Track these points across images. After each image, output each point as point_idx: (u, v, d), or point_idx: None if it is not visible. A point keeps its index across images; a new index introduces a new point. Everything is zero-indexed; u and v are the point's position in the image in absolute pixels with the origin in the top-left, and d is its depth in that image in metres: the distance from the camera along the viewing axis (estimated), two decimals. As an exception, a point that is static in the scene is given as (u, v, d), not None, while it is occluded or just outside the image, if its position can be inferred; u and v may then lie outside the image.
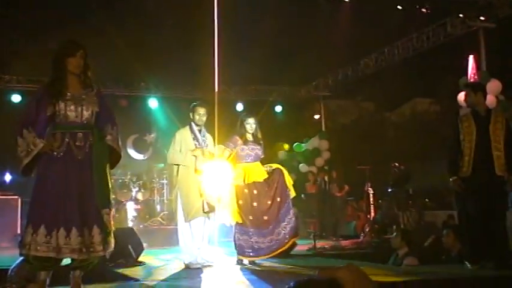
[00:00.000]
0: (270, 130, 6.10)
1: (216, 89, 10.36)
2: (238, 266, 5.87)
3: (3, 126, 7.43)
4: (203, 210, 5.71)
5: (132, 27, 9.90)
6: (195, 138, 5.90)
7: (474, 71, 8.83)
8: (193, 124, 5.96)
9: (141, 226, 10.14)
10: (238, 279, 5.11)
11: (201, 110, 5.93)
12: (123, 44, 9.75)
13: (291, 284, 1.55)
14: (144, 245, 7.13)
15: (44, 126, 3.84)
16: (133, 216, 10.45)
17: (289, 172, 6.46)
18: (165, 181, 11.06)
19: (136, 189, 10.84)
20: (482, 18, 9.17)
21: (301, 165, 13.31)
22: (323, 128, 14.30)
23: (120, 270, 5.41)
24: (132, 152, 12.84)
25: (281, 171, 6.05)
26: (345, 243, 9.53)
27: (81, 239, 3.69)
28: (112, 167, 4.17)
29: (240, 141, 5.99)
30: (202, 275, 5.26)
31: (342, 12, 10.33)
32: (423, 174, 12.94)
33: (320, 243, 8.69)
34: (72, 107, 3.85)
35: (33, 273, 3.83)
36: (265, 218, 5.85)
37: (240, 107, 13.63)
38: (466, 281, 4.63)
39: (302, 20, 9.97)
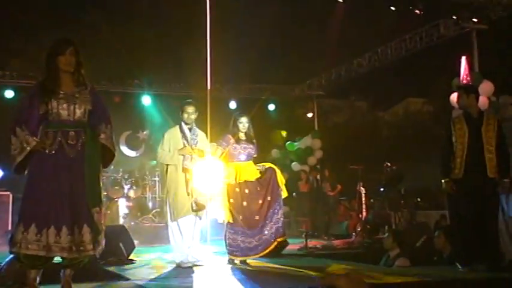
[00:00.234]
0: (263, 128, 6.11)
1: (209, 87, 10.34)
2: (229, 266, 5.86)
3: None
4: (192, 209, 5.70)
5: (126, 24, 9.88)
6: (184, 137, 5.89)
7: (467, 72, 8.85)
8: (183, 123, 5.96)
9: (132, 223, 10.13)
10: (228, 278, 5.10)
11: (190, 109, 5.93)
12: (116, 42, 9.72)
13: None
14: (136, 242, 7.12)
15: (37, 125, 3.82)
16: (125, 214, 10.43)
17: (282, 171, 6.45)
18: (157, 178, 11.06)
19: (128, 186, 10.82)
20: (475, 19, 9.22)
21: (293, 164, 13.32)
22: (316, 127, 14.32)
23: (111, 269, 5.38)
24: (124, 149, 12.81)
25: (274, 170, 6.04)
26: (336, 242, 9.55)
27: (71, 238, 3.67)
28: (106, 166, 4.16)
29: (232, 140, 5.98)
30: (193, 274, 5.25)
31: (336, 12, 10.34)
32: (416, 174, 13.00)
33: (312, 243, 8.71)
34: (65, 106, 3.83)
35: (24, 272, 3.80)
36: (256, 217, 5.85)
37: (233, 105, 13.62)
38: (457, 282, 4.65)
39: (296, 19, 9.99)
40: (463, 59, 8.87)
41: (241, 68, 11.54)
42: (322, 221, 11.62)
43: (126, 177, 10.86)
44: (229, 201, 5.85)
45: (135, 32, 10.20)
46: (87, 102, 3.90)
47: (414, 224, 9.82)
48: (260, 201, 5.88)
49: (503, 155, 5.17)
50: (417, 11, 9.92)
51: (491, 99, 8.54)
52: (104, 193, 4.53)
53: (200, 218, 5.84)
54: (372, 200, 11.71)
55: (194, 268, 5.61)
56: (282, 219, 5.94)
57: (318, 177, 12.33)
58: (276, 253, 6.48)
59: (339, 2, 10.09)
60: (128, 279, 4.82)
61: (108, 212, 9.98)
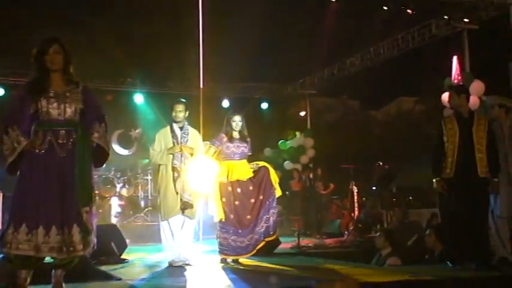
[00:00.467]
0: (255, 127, 6.13)
1: (202, 85, 10.34)
2: (221, 265, 5.87)
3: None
4: (180, 208, 5.71)
5: (118, 22, 9.83)
6: (174, 136, 5.90)
7: (458, 72, 8.90)
8: (173, 122, 5.97)
9: (124, 222, 10.11)
10: (220, 278, 5.11)
11: (178, 107, 5.94)
12: (109, 39, 9.69)
13: None
14: (128, 241, 7.11)
15: (29, 125, 3.81)
16: (117, 212, 10.41)
17: (275, 170, 6.45)
18: (149, 177, 11.02)
19: (121, 184, 10.79)
20: (466, 20, 9.26)
21: (286, 162, 13.34)
22: (308, 126, 14.34)
23: (103, 268, 5.36)
24: (116, 147, 12.76)
25: (267, 169, 6.04)
26: (328, 241, 9.57)
27: (60, 238, 3.66)
28: (100, 165, 4.15)
29: (225, 139, 5.98)
30: (185, 273, 5.25)
31: (329, 11, 10.35)
32: (408, 172, 13.04)
33: (304, 241, 8.73)
34: (55, 105, 3.81)
35: (14, 272, 3.79)
36: (248, 217, 5.85)
37: (226, 103, 13.61)
38: (447, 281, 4.68)
39: (289, 18, 9.98)
40: (455, 58, 8.92)
41: (234, 67, 11.53)
42: (314, 219, 11.64)
43: (118, 175, 10.84)
44: (221, 199, 5.85)
45: (127, 30, 10.16)
46: (78, 101, 3.88)
47: (406, 222, 9.85)
48: (252, 201, 5.89)
49: (493, 155, 5.21)
50: (409, 11, 9.96)
51: (482, 98, 8.58)
52: (95, 192, 4.52)
53: (190, 218, 5.81)
54: (364, 199, 11.74)
55: (186, 267, 5.61)
56: (273, 218, 5.93)
57: (311, 176, 12.35)
58: (268, 252, 6.49)
59: (332, 1, 10.11)
60: (119, 279, 4.81)
61: (100, 210, 9.96)
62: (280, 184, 6.17)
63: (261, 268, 5.61)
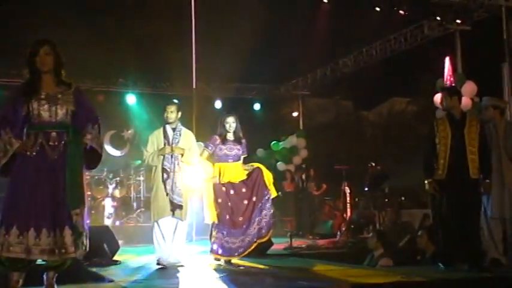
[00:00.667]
0: (248, 128, 6.15)
1: (194, 86, 10.35)
2: (214, 266, 5.87)
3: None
4: (169, 209, 5.71)
5: (110, 22, 9.81)
6: (166, 137, 5.90)
7: (450, 73, 8.95)
8: (166, 124, 5.97)
9: (117, 223, 10.07)
10: (213, 279, 5.10)
11: (170, 108, 5.95)
12: (101, 40, 9.66)
13: None
14: (120, 242, 7.09)
15: (21, 126, 3.79)
16: (110, 213, 10.36)
17: (268, 170, 6.42)
18: (142, 178, 11.00)
19: (113, 185, 10.74)
20: (458, 21, 9.31)
21: (278, 163, 13.35)
22: (301, 127, 14.36)
23: (95, 270, 5.35)
24: (109, 148, 12.71)
25: (260, 170, 6.02)
26: (321, 242, 9.58)
27: (52, 240, 3.64)
28: (93, 167, 4.12)
29: (218, 141, 5.97)
30: (178, 275, 5.24)
31: (321, 12, 10.38)
32: (400, 173, 13.07)
33: (296, 242, 8.73)
34: (46, 107, 3.79)
35: (6, 274, 3.76)
36: (240, 218, 5.84)
37: (218, 104, 13.61)
38: (439, 283, 4.70)
39: (282, 19, 10.00)
40: (447, 59, 8.96)
41: (227, 68, 11.54)
42: (307, 220, 11.65)
43: (110, 176, 10.79)
44: (216, 201, 5.83)
45: (119, 30, 10.15)
46: (69, 102, 3.86)
47: (398, 223, 9.87)
48: (245, 202, 5.87)
49: (485, 156, 5.23)
50: (402, 12, 10.00)
51: (474, 100, 8.63)
52: (88, 193, 4.51)
53: (181, 219, 5.80)
54: (356, 200, 11.76)
55: (179, 268, 5.60)
56: (265, 220, 5.91)
57: (303, 176, 12.36)
58: (261, 253, 6.49)
59: (324, 2, 10.13)
60: (111, 281, 4.79)
61: (93, 211, 9.92)
62: (274, 184, 6.16)
63: (254, 269, 5.60)
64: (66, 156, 3.76)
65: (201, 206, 6.54)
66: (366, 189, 11.04)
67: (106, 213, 10.30)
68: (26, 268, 3.75)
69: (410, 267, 5.72)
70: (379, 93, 19.31)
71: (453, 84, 8.39)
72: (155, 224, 5.82)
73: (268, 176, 6.04)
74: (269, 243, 6.79)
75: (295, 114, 15.05)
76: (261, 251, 6.45)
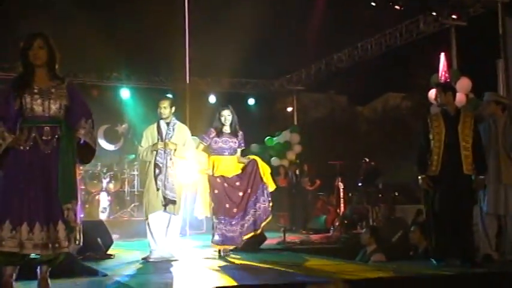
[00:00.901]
0: (242, 123, 6.14)
1: (188, 81, 10.33)
2: (207, 260, 5.87)
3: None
4: (161, 204, 5.72)
5: (103, 16, 9.77)
6: (160, 132, 5.90)
7: (445, 69, 8.96)
8: (160, 119, 5.97)
9: (111, 217, 10.07)
10: (206, 273, 5.11)
11: (163, 103, 5.93)
12: (94, 34, 9.61)
13: None
14: (115, 236, 7.08)
15: (14, 121, 3.76)
16: (104, 208, 10.35)
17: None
18: (135, 172, 10.99)
19: (107, 180, 10.73)
20: (454, 16, 9.31)
21: (272, 158, 13.35)
22: (295, 122, 14.36)
23: (89, 264, 5.35)
24: (102, 143, 12.69)
25: (255, 162, 6.02)
26: (314, 237, 9.60)
27: (45, 234, 3.63)
28: (87, 162, 4.10)
29: (213, 134, 5.95)
30: (172, 269, 5.24)
31: (316, 7, 10.36)
32: (394, 168, 13.12)
33: (290, 237, 8.74)
34: (39, 101, 3.77)
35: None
36: (235, 210, 5.87)
37: (212, 99, 13.60)
38: (431, 278, 4.72)
39: (277, 14, 9.98)
40: (442, 55, 8.97)
41: (221, 62, 11.51)
42: (300, 215, 11.67)
43: (104, 171, 10.78)
44: (213, 192, 5.84)
45: (113, 24, 10.09)
46: (63, 97, 3.84)
47: (392, 219, 9.91)
48: (240, 194, 5.89)
49: (479, 153, 5.25)
50: (397, 7, 9.99)
51: (468, 96, 8.65)
52: (81, 187, 4.51)
53: (174, 214, 5.80)
54: (350, 195, 11.79)
55: (173, 263, 5.61)
56: (259, 213, 5.93)
57: (297, 172, 12.37)
58: (254, 247, 6.50)
59: (319, -3, 10.12)
60: (105, 275, 4.79)
61: (87, 206, 9.91)
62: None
63: (247, 264, 5.60)
64: (59, 150, 3.75)
65: (194, 200, 6.55)
66: (360, 184, 11.08)
67: (100, 208, 10.29)
68: (20, 262, 3.74)
69: (402, 263, 5.73)
70: (374, 89, 19.35)
71: (448, 80, 8.40)
72: (149, 218, 5.82)
73: (264, 169, 6.04)
74: (263, 238, 6.80)
75: (289, 109, 15.05)
76: (254, 245, 6.46)
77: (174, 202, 5.74)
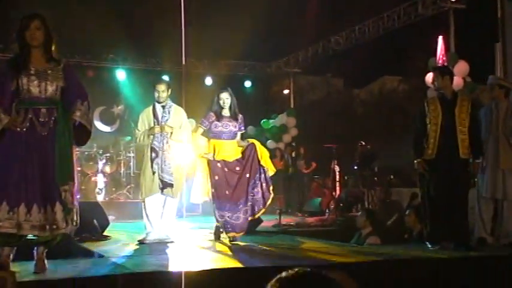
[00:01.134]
0: (238, 105, 6.12)
1: (184, 62, 10.27)
2: (203, 242, 5.89)
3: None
4: (158, 187, 5.70)
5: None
6: (155, 116, 5.86)
7: (443, 52, 8.93)
8: (156, 102, 5.92)
9: (107, 199, 10.09)
10: (203, 255, 5.14)
11: (160, 87, 5.87)
12: (90, 15, 9.52)
13: (283, 274, 1.55)
14: (111, 218, 7.10)
15: (9, 102, 3.75)
16: (100, 189, 10.35)
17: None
18: (132, 154, 10.97)
19: (103, 161, 10.71)
20: (452, -1, 9.25)
21: (268, 141, 13.34)
22: (292, 105, 14.34)
23: (86, 245, 5.37)
24: (98, 124, 12.61)
25: (254, 145, 5.94)
26: (310, 220, 9.64)
27: (43, 216, 3.65)
28: (82, 144, 4.11)
29: (213, 118, 5.87)
30: (167, 251, 5.26)
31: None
32: (390, 151, 13.13)
33: (285, 220, 8.78)
34: (36, 82, 3.76)
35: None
36: (235, 195, 5.80)
37: (209, 81, 13.54)
38: (425, 261, 4.76)
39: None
40: (440, 38, 8.93)
41: (218, 44, 11.44)
42: (296, 198, 11.71)
43: (100, 152, 10.75)
44: (213, 178, 5.77)
45: (109, 5, 9.99)
46: (59, 79, 3.83)
47: (387, 202, 9.96)
48: (238, 177, 5.80)
49: (475, 136, 5.26)
50: (395, -11, 9.92)
51: (466, 79, 8.64)
52: (77, 169, 4.50)
53: (172, 196, 5.79)
54: (345, 178, 11.82)
55: (169, 244, 5.62)
56: (257, 197, 5.86)
57: (293, 154, 12.39)
58: (250, 230, 6.51)
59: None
60: (101, 256, 4.81)
61: (83, 187, 9.91)
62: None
63: (243, 246, 5.63)
64: (55, 132, 3.74)
65: (191, 184, 6.54)
66: (355, 167, 11.10)
67: (96, 189, 10.30)
68: (17, 243, 3.76)
69: (397, 246, 5.78)
70: (371, 72, 19.32)
71: (445, 64, 8.38)
72: (146, 201, 5.81)
73: (263, 152, 5.96)
74: (258, 220, 6.82)
75: (286, 91, 15.01)
76: (250, 227, 6.48)
77: (171, 185, 5.72)
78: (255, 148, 5.93)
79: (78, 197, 3.92)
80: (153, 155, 5.73)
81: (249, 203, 5.85)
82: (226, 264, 4.54)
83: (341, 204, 10.27)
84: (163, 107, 5.89)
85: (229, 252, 5.19)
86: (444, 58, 8.77)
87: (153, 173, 5.70)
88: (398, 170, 12.41)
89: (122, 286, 3.67)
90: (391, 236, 6.68)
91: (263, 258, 4.82)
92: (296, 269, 1.54)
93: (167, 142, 5.76)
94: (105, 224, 6.49)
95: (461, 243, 5.14)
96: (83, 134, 3.94)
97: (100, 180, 10.40)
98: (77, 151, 4.07)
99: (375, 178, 11.00)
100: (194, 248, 5.59)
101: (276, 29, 10.89)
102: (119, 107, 12.79)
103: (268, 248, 5.50)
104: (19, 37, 3.82)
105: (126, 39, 11.04)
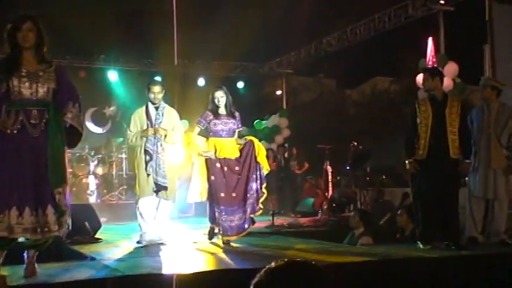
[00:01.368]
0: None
1: (176, 63, 10.25)
2: (195, 244, 5.89)
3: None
4: (153, 190, 5.68)
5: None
6: (148, 117, 5.81)
7: (433, 54, 8.98)
8: (149, 103, 5.88)
9: (99, 201, 10.05)
10: (195, 256, 5.14)
11: (156, 88, 5.83)
12: (82, 15, 9.50)
13: (272, 264, 1.57)
14: (103, 220, 7.07)
15: (0, 104, 3.73)
16: (92, 191, 10.32)
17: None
18: (124, 155, 10.93)
19: (95, 163, 10.67)
20: (442, 1, 9.31)
21: (261, 142, 13.34)
22: (284, 105, 14.36)
23: (77, 248, 5.35)
24: (90, 125, 12.59)
25: (251, 143, 5.90)
26: (302, 220, 9.65)
27: (34, 219, 3.63)
28: (73, 146, 4.08)
29: (210, 116, 5.81)
30: (160, 253, 5.26)
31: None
32: (382, 151, 13.19)
33: (278, 221, 8.79)
34: (27, 84, 3.74)
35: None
36: (234, 194, 5.75)
37: (201, 82, 13.52)
38: (416, 261, 4.78)
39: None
40: (430, 40, 8.98)
41: (210, 45, 11.44)
42: (289, 199, 11.71)
43: (92, 154, 10.71)
44: (209, 178, 5.70)
45: (101, 5, 9.96)
46: (51, 80, 3.81)
47: (380, 202, 9.99)
48: (238, 177, 5.76)
49: (465, 137, 5.31)
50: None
51: (455, 80, 8.70)
52: (69, 170, 4.48)
53: (166, 199, 5.77)
54: (338, 178, 11.85)
55: (161, 246, 5.61)
56: (254, 194, 5.80)
57: (286, 155, 12.40)
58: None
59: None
60: (93, 259, 4.79)
61: (74, 189, 9.87)
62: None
63: (236, 247, 5.64)
64: (47, 134, 3.73)
65: (185, 185, 6.52)
66: (348, 168, 11.12)
67: (88, 191, 10.27)
68: (8, 246, 3.73)
69: (389, 246, 5.80)
70: (363, 72, 19.40)
71: (435, 65, 8.43)
72: (139, 202, 5.79)
73: (260, 150, 5.92)
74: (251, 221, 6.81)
75: (278, 92, 15.02)
76: (246, 228, 6.46)
77: (165, 188, 5.70)
78: (253, 145, 5.88)
79: (69, 200, 3.90)
80: (147, 157, 5.69)
81: (249, 201, 5.76)
82: (219, 265, 4.55)
83: (334, 205, 10.29)
84: (156, 108, 5.85)
85: (222, 254, 5.19)
86: (434, 59, 8.82)
87: (148, 175, 5.67)
88: (390, 170, 12.46)
89: (114, 289, 3.67)
90: (384, 236, 6.70)
91: (256, 260, 4.82)
92: (285, 259, 1.56)
93: (161, 145, 5.72)
94: (97, 226, 6.46)
95: (452, 243, 5.18)
96: (74, 136, 3.92)
97: (91, 182, 10.37)
98: (68, 152, 4.05)
99: (367, 178, 11.04)
100: (187, 250, 5.59)
101: (268, 30, 10.89)
102: (111, 108, 12.75)
103: (261, 249, 5.51)
104: (10, 38, 3.79)
105: (117, 40, 11.02)
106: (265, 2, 10.14)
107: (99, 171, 10.68)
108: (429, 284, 4.41)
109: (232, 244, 5.70)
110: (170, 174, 5.76)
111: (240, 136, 6.16)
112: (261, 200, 5.92)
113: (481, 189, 5.65)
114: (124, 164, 10.93)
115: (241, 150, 5.87)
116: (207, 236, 6.04)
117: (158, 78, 9.67)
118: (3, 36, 3.83)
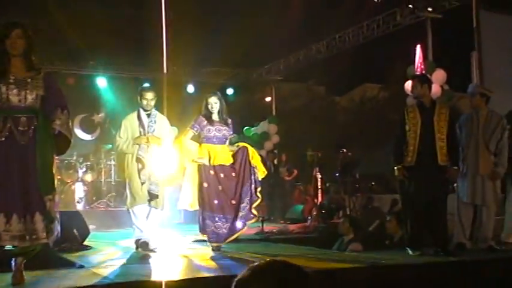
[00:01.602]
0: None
1: (165, 70, 10.23)
2: (186, 251, 5.87)
3: None
4: (146, 198, 5.65)
5: (80, 3, 9.61)
6: (141, 124, 5.75)
7: (421, 61, 9.06)
8: (141, 109, 5.82)
9: (87, 208, 9.99)
10: (186, 263, 5.12)
11: (149, 95, 5.78)
12: (70, 21, 9.47)
13: (255, 263, 1.63)
14: (92, 227, 7.02)
15: None
16: (80, 198, 10.26)
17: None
18: (112, 162, 10.88)
19: (83, 170, 10.62)
20: (430, 9, 9.41)
21: (250, 148, 13.35)
22: (274, 112, 14.39)
23: (65, 255, 5.30)
24: (79, 132, 12.52)
25: (245, 149, 5.84)
26: (292, 227, 9.66)
27: (22, 226, 3.60)
28: (62, 153, 4.06)
29: (205, 122, 5.75)
30: (150, 260, 5.23)
31: (295, -2, 10.35)
32: (371, 158, 13.24)
33: (268, 227, 8.78)
34: (15, 91, 3.72)
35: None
36: (233, 202, 5.68)
37: (190, 88, 13.52)
38: (405, 267, 4.80)
39: (256, 3, 9.92)
40: (418, 47, 9.07)
41: (199, 52, 11.44)
42: (278, 205, 11.72)
43: (80, 160, 10.65)
44: (202, 185, 5.61)
45: (89, 12, 9.94)
46: (39, 87, 3.80)
47: (369, 208, 10.03)
48: (234, 184, 5.70)
49: (453, 144, 5.36)
50: (375, -1, 10.04)
51: (443, 87, 8.77)
52: (57, 177, 4.45)
53: (156, 208, 5.72)
54: (327, 185, 11.88)
55: (151, 254, 5.58)
56: (249, 198, 5.71)
57: (275, 161, 12.41)
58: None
59: (298, -13, 10.11)
60: (82, 266, 4.75)
61: (63, 196, 9.81)
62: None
63: (225, 254, 5.62)
64: (35, 141, 3.71)
65: (175, 192, 6.49)
66: (337, 174, 11.17)
67: (76, 198, 10.20)
68: (-5, 254, 3.71)
69: (378, 252, 5.81)
70: (352, 79, 19.45)
71: (423, 72, 8.50)
72: (131, 211, 5.75)
73: (254, 154, 5.86)
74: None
75: (268, 99, 15.06)
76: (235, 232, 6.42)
77: (157, 196, 5.66)
78: (247, 151, 5.82)
79: (57, 207, 3.88)
80: (140, 165, 5.63)
81: (243, 205, 5.66)
82: (208, 272, 4.53)
83: (323, 211, 10.31)
84: (148, 115, 5.80)
85: (212, 261, 5.17)
86: (422, 66, 8.90)
87: (142, 183, 5.62)
88: (379, 176, 12.50)
89: (103, 296, 3.65)
90: (373, 242, 6.72)
91: (245, 266, 4.80)
92: (268, 259, 1.63)
93: (153, 152, 5.68)
94: (85, 234, 6.41)
95: (440, 249, 5.21)
96: (63, 143, 3.90)
97: (80, 189, 10.31)
98: (56, 159, 4.03)
99: (356, 185, 11.08)
100: (176, 256, 5.56)
101: (257, 37, 10.92)
102: (100, 115, 12.71)
103: (250, 256, 5.50)
104: None
105: (106, 47, 10.99)
106: (254, 9, 10.16)
107: (88, 178, 10.62)
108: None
109: (222, 250, 5.67)
110: (160, 181, 5.73)
111: (231, 143, 6.12)
112: (255, 204, 5.82)
113: (469, 195, 5.70)
114: (113, 171, 10.88)
115: (234, 156, 5.80)
116: (196, 243, 6.01)
117: (147, 85, 9.64)
118: None
